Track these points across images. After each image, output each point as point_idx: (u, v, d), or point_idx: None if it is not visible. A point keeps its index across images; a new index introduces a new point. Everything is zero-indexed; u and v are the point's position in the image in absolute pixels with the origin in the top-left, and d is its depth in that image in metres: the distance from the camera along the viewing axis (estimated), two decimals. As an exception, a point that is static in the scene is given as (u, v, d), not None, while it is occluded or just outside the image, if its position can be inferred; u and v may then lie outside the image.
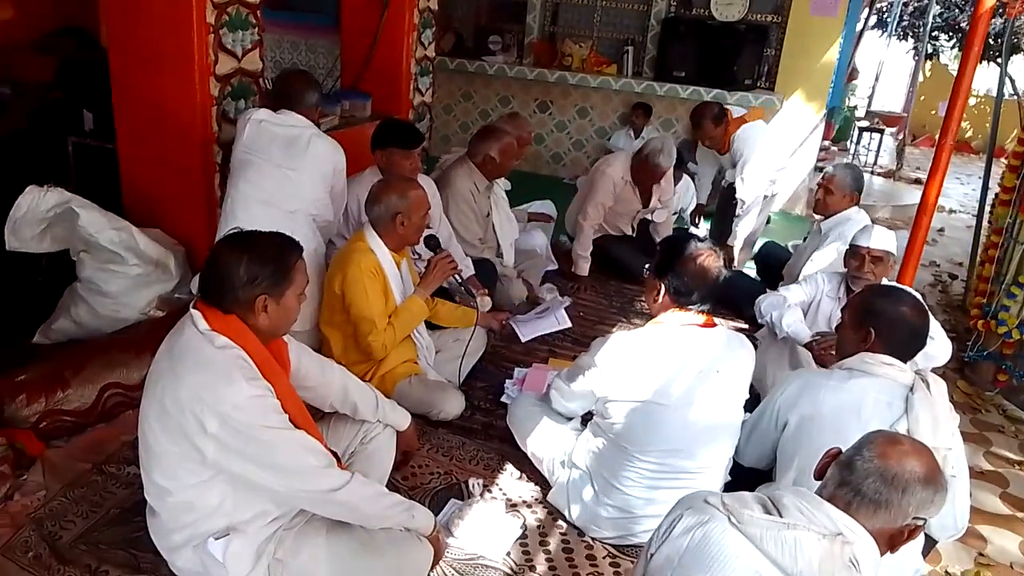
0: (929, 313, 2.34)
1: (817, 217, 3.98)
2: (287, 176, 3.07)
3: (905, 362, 2.17)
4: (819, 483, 1.56)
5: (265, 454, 1.81)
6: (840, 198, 3.80)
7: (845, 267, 3.23)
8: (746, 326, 4.05)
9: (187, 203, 3.47)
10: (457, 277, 3.23)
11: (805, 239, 4.20)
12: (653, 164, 4.56)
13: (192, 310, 1.87)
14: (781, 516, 1.43)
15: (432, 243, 3.21)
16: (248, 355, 1.84)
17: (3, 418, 2.67)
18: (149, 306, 3.31)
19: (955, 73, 3.19)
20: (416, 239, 3.07)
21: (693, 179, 5.85)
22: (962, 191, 9.58)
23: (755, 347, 2.58)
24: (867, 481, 1.44)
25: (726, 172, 5.17)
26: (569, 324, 3.79)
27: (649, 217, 4.99)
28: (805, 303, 3.30)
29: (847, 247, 3.22)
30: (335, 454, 2.04)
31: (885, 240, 3.09)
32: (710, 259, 2.33)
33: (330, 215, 3.29)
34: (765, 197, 5.06)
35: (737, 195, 4.91)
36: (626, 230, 4.96)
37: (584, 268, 4.79)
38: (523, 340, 3.66)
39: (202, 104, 3.28)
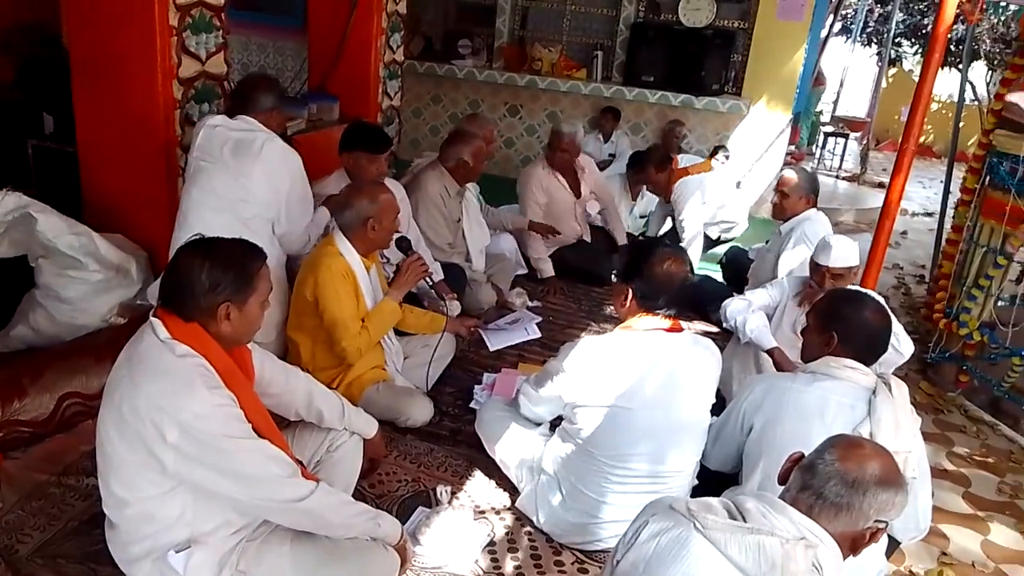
0: (892, 317, 2.37)
1: (777, 222, 4.02)
2: (239, 182, 3.00)
3: (868, 365, 2.20)
4: (783, 487, 1.58)
5: (227, 464, 1.78)
6: (796, 200, 3.83)
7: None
8: (714, 330, 4.08)
9: (149, 208, 3.41)
10: (428, 280, 3.22)
11: (767, 242, 4.25)
12: (557, 137, 4.71)
13: (152, 318, 1.84)
14: (745, 521, 1.43)
15: (403, 245, 3.20)
16: (210, 364, 1.81)
17: (-43, 429, 2.61)
18: (110, 313, 3.25)
19: (917, 79, 3.24)
20: (386, 243, 3.05)
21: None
22: (924, 195, 9.75)
23: (721, 351, 2.60)
24: (829, 485, 1.45)
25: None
26: (539, 335, 3.80)
27: (591, 213, 5.10)
28: (770, 307, 3.33)
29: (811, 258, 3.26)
30: (300, 463, 2.01)
31: (845, 257, 3.11)
32: (676, 264, 2.34)
33: (290, 225, 3.20)
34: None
35: (683, 242, 4.99)
36: (576, 232, 5.01)
37: (548, 270, 4.84)
38: (491, 349, 3.65)
39: (165, 107, 3.23)
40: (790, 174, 3.91)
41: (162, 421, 1.71)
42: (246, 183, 3.00)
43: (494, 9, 7.52)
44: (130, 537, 1.87)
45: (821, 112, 10.48)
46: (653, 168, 5.04)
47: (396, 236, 3.11)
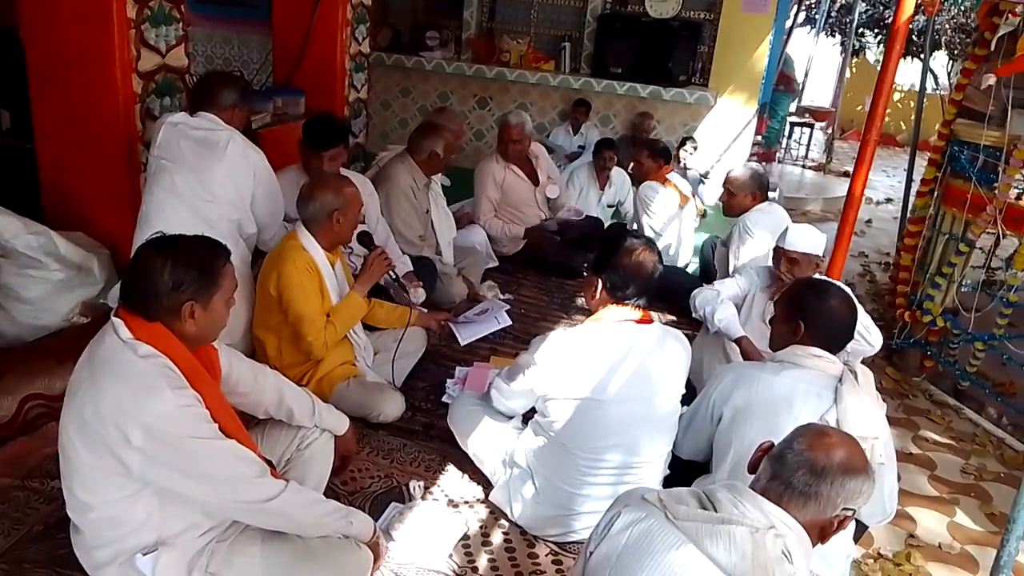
0: (858, 306, 2.40)
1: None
2: (202, 181, 2.95)
3: (834, 354, 2.22)
4: (751, 475, 1.59)
5: (194, 465, 1.75)
6: (743, 197, 3.97)
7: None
8: (682, 320, 4.11)
9: (111, 204, 3.35)
10: (392, 273, 3.20)
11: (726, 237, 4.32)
12: (506, 128, 4.79)
13: (113, 318, 1.80)
14: (716, 511, 1.45)
15: (365, 240, 3.17)
16: (174, 363, 1.77)
17: (-85, 433, 2.54)
18: (72, 312, 3.18)
19: (880, 69, 3.29)
20: (349, 237, 3.02)
21: (629, 173, 5.91)
22: (888, 183, 9.92)
23: (691, 341, 2.61)
24: (797, 474, 1.47)
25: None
26: (509, 323, 3.77)
27: (550, 197, 5.16)
28: (739, 296, 3.36)
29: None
30: (269, 462, 1.99)
31: (803, 241, 3.14)
32: (645, 254, 2.35)
33: (255, 225, 3.16)
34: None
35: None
36: (540, 218, 5.07)
37: (513, 247, 4.97)
38: (462, 343, 3.61)
39: (125, 102, 3.17)
40: (735, 172, 4.05)
41: (126, 424, 1.68)
42: (209, 182, 2.95)
43: (461, 1, 7.48)
44: (95, 542, 1.83)
45: (791, 114, 10.42)
46: (648, 154, 5.09)
47: (358, 230, 3.08)
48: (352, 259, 3.33)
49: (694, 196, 5.41)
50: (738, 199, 3.97)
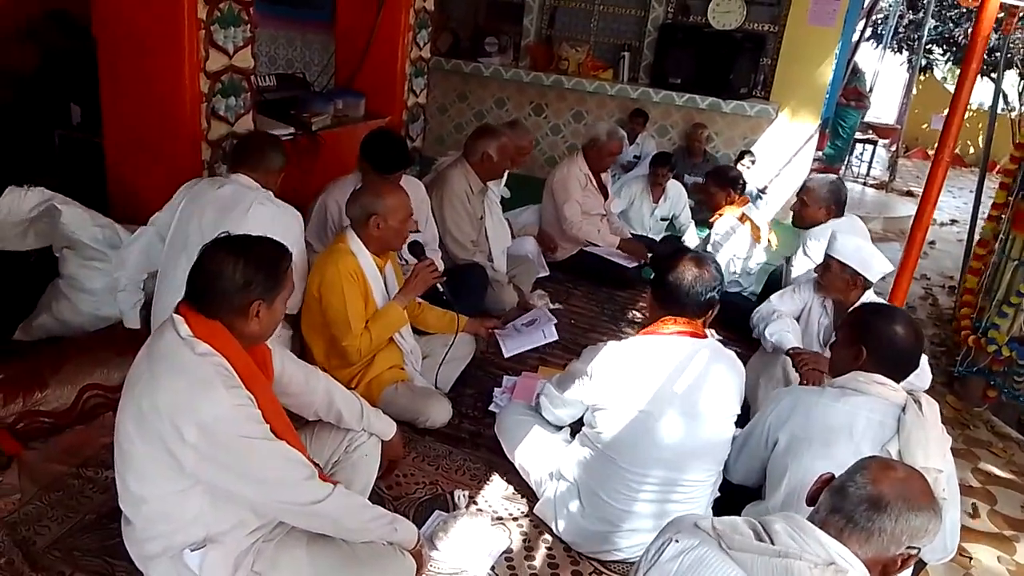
0: (923, 335, 2.32)
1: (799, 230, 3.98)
2: None
3: (898, 382, 2.14)
4: (810, 507, 1.53)
5: (244, 465, 1.77)
6: (816, 210, 3.79)
7: None
8: (734, 340, 4.03)
9: (174, 200, 3.40)
10: (440, 286, 3.17)
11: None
12: (607, 141, 4.73)
13: (174, 314, 1.82)
14: (772, 542, 1.40)
15: (416, 250, 3.16)
16: (230, 363, 1.79)
17: (-21, 418, 2.62)
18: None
19: (948, 86, 3.19)
20: (397, 244, 3.01)
21: (686, 187, 5.84)
22: (953, 204, 9.62)
23: (744, 362, 2.55)
24: (860, 508, 1.41)
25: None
26: (556, 338, 3.70)
27: (614, 211, 5.13)
28: (796, 310, 3.29)
29: None
30: (317, 464, 1.99)
31: (842, 248, 3.05)
32: (698, 269, 2.30)
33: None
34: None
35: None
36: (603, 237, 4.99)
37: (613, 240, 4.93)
38: (506, 355, 3.52)
39: (191, 101, 3.23)
40: (813, 182, 3.87)
41: (181, 420, 1.70)
42: None
43: (522, 7, 7.51)
44: (146, 534, 1.86)
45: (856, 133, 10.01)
46: (718, 184, 4.66)
47: (409, 239, 3.06)
48: (406, 270, 3.33)
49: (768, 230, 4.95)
50: (811, 210, 3.79)
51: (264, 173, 2.93)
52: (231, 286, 1.78)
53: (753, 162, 6.56)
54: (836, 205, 3.80)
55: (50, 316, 3.18)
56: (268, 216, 2.80)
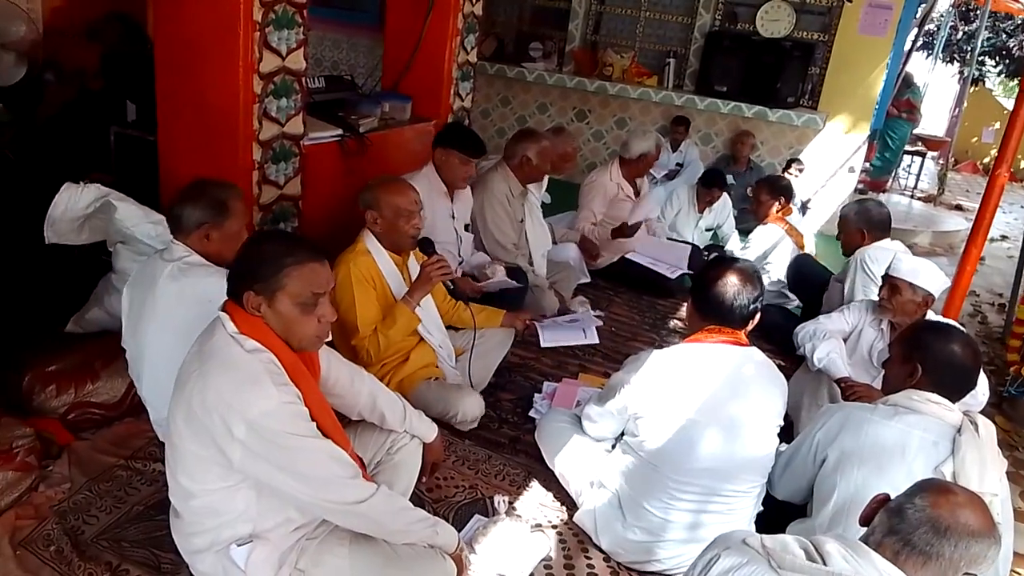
0: (980, 354, 2.26)
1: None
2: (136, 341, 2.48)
3: (953, 402, 2.09)
4: (862, 528, 1.50)
5: (290, 462, 1.78)
6: (848, 236, 3.84)
7: None
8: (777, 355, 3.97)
9: (224, 199, 3.45)
10: (450, 283, 3.17)
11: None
12: (648, 152, 4.75)
13: (220, 312, 1.85)
14: (824, 563, 1.37)
15: (427, 248, 3.10)
16: (278, 359, 1.81)
17: (32, 407, 2.68)
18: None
19: (1000, 99, 3.11)
20: (406, 242, 2.99)
21: (729, 194, 5.77)
22: (1004, 219, 9.37)
23: (786, 376, 2.51)
24: (918, 531, 1.38)
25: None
26: (596, 341, 3.70)
27: (650, 217, 5.08)
28: (845, 332, 3.23)
29: None
30: (362, 462, 2.00)
31: (908, 267, 3.00)
32: (741, 280, 2.27)
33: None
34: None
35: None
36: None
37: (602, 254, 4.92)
38: (543, 345, 3.53)
39: (244, 101, 3.26)
40: (843, 211, 3.92)
41: (230, 416, 1.72)
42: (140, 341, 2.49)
43: (567, 12, 7.50)
44: (194, 528, 1.89)
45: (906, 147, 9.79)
46: (768, 191, 4.82)
47: (419, 238, 3.04)
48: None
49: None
50: (844, 237, 3.86)
51: (193, 234, 2.47)
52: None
53: (801, 170, 6.47)
54: (868, 224, 3.77)
55: (102, 309, 3.24)
56: (183, 288, 2.38)
